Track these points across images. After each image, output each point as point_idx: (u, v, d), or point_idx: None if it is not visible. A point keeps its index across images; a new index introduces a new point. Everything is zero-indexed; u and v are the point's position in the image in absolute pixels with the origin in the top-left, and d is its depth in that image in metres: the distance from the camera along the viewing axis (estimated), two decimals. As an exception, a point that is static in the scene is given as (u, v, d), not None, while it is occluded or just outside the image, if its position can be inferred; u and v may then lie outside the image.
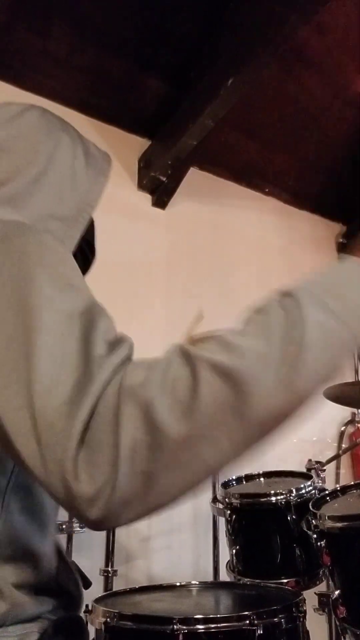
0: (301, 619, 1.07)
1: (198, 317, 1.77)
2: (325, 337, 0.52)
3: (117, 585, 1.69)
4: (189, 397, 0.49)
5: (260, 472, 1.77)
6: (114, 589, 1.61)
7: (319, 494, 1.45)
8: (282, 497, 1.49)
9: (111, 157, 0.94)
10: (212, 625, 0.97)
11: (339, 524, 1.20)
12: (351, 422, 2.92)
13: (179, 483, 0.51)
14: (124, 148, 2.68)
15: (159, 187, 2.68)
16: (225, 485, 1.70)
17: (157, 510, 0.52)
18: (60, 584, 0.74)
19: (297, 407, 0.53)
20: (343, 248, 3.43)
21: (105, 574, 1.69)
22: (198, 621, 0.97)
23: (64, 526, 1.72)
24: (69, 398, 0.49)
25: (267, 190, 3.13)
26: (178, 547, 2.28)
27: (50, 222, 0.76)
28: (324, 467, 1.74)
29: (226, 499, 1.58)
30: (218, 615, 1.02)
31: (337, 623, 1.22)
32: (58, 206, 0.78)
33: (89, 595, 1.28)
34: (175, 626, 0.95)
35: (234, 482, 1.73)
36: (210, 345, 0.53)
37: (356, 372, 3.18)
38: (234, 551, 1.55)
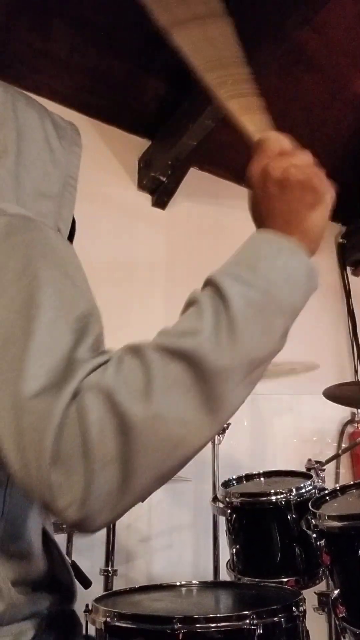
0: (301, 619, 1.08)
1: None
2: (247, 304, 0.56)
3: (117, 584, 1.69)
4: (144, 380, 0.51)
5: (260, 471, 1.77)
6: (114, 589, 1.62)
7: (318, 494, 1.45)
8: (282, 496, 1.49)
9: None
10: (212, 625, 0.97)
11: (339, 524, 1.21)
12: (351, 421, 2.92)
13: (154, 465, 0.51)
14: (124, 148, 2.69)
15: (159, 187, 2.68)
16: (226, 484, 1.71)
17: (135, 500, 0.52)
18: (55, 577, 0.74)
19: (247, 369, 0.55)
20: (343, 248, 3.43)
21: (106, 573, 1.69)
22: (198, 620, 0.97)
23: (64, 526, 1.72)
24: (45, 404, 0.50)
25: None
26: (178, 546, 2.28)
27: (41, 202, 0.76)
28: (324, 467, 1.75)
29: (226, 499, 1.58)
30: (218, 615, 1.02)
31: (337, 622, 1.23)
32: (44, 182, 0.78)
33: (89, 595, 1.28)
34: (175, 626, 0.95)
35: (234, 482, 1.73)
36: (154, 337, 0.57)
37: (356, 371, 3.18)
38: (234, 550, 1.55)
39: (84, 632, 1.35)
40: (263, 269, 0.59)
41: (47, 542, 0.75)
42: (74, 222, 0.89)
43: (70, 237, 0.89)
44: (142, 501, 0.54)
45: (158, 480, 0.52)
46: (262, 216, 0.69)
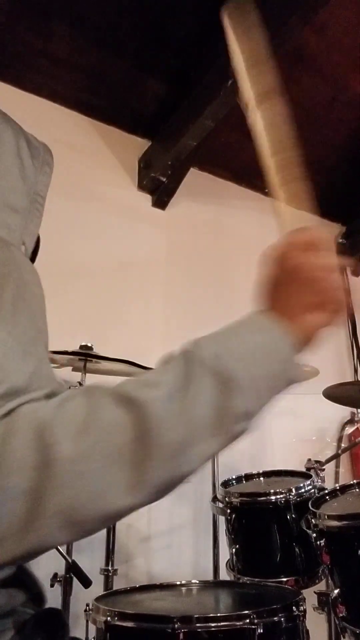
0: (301, 618, 1.08)
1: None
2: (208, 372, 0.54)
3: (118, 584, 1.69)
4: (83, 420, 0.49)
5: (260, 471, 1.78)
6: (114, 588, 1.62)
7: (318, 493, 1.46)
8: (281, 496, 1.49)
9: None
10: (212, 624, 0.97)
11: (339, 523, 1.21)
12: (350, 421, 2.92)
13: (66, 510, 0.47)
14: (124, 148, 2.69)
15: (159, 188, 2.69)
16: (225, 484, 1.71)
17: (38, 545, 0.48)
18: (20, 579, 0.74)
19: (190, 433, 0.53)
20: (343, 248, 3.44)
21: (106, 573, 1.69)
22: (198, 620, 0.97)
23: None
24: None
25: (267, 190, 3.13)
26: (178, 546, 2.28)
27: (9, 214, 0.76)
28: (324, 467, 1.75)
29: (226, 498, 1.59)
30: (218, 615, 1.02)
31: (337, 622, 1.23)
32: (11, 195, 0.78)
33: (90, 595, 1.28)
34: (175, 625, 0.95)
35: (233, 482, 1.74)
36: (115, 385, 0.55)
37: (355, 371, 3.18)
38: (233, 550, 1.56)
39: (84, 633, 1.36)
40: (236, 341, 0.59)
41: None
42: (38, 239, 0.89)
43: (34, 253, 0.89)
44: (44, 551, 0.50)
45: (66, 528, 0.48)
46: (264, 297, 0.67)
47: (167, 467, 0.51)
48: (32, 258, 0.86)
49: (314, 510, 1.29)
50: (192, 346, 0.57)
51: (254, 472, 1.77)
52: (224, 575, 1.69)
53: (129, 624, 1.01)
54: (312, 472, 1.68)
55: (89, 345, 1.78)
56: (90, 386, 0.54)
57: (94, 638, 1.09)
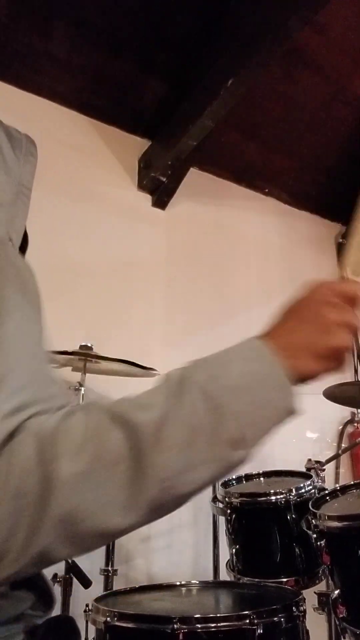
0: (301, 618, 1.08)
1: None
2: (195, 413, 0.53)
3: (117, 584, 1.69)
4: (81, 439, 0.50)
5: (260, 471, 1.77)
6: (114, 589, 1.62)
7: (318, 494, 1.45)
8: (281, 496, 1.49)
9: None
10: (212, 625, 0.97)
11: (339, 524, 1.21)
12: (351, 421, 2.92)
13: (63, 527, 0.49)
14: (124, 148, 2.69)
15: (159, 188, 2.68)
16: (225, 484, 1.70)
17: (37, 560, 0.49)
18: (29, 578, 0.73)
19: (183, 461, 0.52)
20: (343, 248, 3.44)
21: (106, 573, 1.69)
22: (198, 620, 0.97)
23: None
24: None
25: (267, 190, 3.13)
26: (178, 546, 2.28)
27: None
28: (324, 467, 1.74)
29: (226, 499, 1.58)
30: (218, 615, 1.02)
31: (337, 622, 1.23)
32: None
33: (89, 595, 1.28)
34: (175, 625, 0.95)
35: (234, 482, 1.73)
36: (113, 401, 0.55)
37: (356, 371, 3.18)
38: (233, 550, 1.55)
39: (84, 633, 1.35)
40: (232, 367, 0.57)
41: None
42: (26, 234, 0.88)
43: (22, 248, 0.87)
44: (46, 565, 0.51)
45: (66, 542, 0.50)
46: (273, 325, 0.65)
47: (160, 489, 0.52)
48: (21, 254, 0.85)
49: (314, 510, 1.29)
50: (187, 369, 0.57)
51: (254, 472, 1.77)
52: (224, 575, 1.69)
53: (129, 625, 1.01)
54: (312, 472, 1.67)
55: (89, 345, 1.78)
56: (90, 404, 0.55)
57: (93, 638, 1.09)
